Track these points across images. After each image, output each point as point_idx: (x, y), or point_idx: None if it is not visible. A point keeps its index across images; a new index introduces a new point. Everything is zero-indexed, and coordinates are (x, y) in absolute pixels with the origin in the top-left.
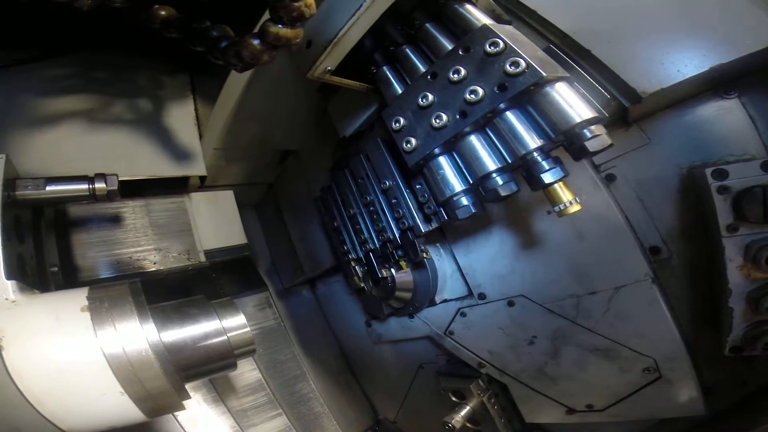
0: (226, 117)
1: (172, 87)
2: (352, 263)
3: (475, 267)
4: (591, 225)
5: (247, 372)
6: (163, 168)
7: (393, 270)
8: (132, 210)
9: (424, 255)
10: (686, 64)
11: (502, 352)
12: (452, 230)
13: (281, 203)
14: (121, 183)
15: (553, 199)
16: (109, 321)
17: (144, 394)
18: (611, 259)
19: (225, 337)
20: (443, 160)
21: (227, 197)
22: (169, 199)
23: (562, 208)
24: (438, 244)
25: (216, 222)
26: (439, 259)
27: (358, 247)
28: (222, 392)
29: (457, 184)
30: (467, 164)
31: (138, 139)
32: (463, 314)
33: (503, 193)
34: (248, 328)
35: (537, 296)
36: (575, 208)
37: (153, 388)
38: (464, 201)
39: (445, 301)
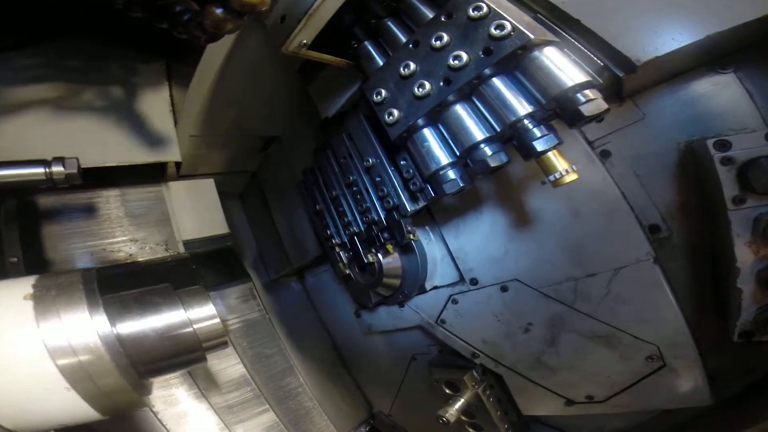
0: (201, 101)
1: (147, 74)
2: (337, 249)
3: (466, 250)
4: (587, 201)
5: (230, 367)
6: (136, 154)
7: (380, 255)
8: (106, 200)
9: (411, 237)
10: (681, 32)
11: (496, 341)
12: (441, 211)
13: (265, 192)
14: (93, 171)
15: (546, 168)
16: (53, 311)
17: (95, 391)
18: (610, 237)
19: (191, 329)
20: (428, 132)
21: (208, 186)
22: (146, 189)
23: (557, 176)
24: (427, 227)
25: (196, 211)
26: (428, 243)
27: (341, 231)
28: (205, 388)
29: (443, 157)
30: (453, 135)
31: (109, 126)
32: (455, 301)
33: (493, 164)
34: (218, 319)
35: (532, 280)
36: (571, 177)
37: (105, 385)
38: (451, 174)
39: (435, 287)
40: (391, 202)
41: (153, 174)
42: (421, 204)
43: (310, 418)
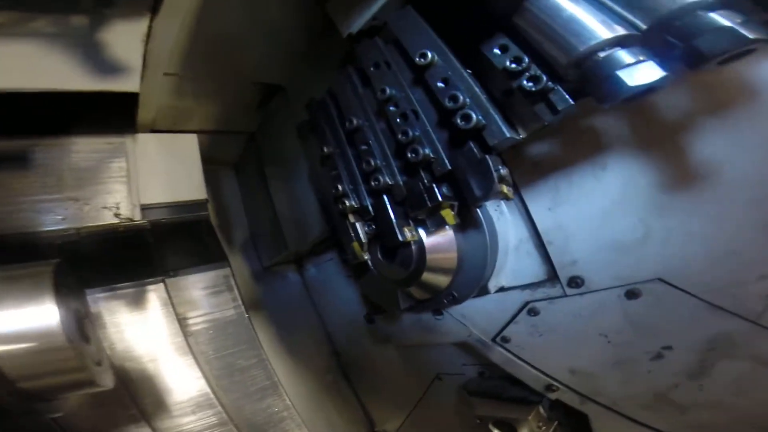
0: (181, 28)
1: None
2: (350, 217)
3: (569, 231)
4: None
5: (186, 382)
6: (73, 80)
7: (421, 230)
8: (44, 149)
9: (504, 190)
10: None
11: (595, 372)
12: (524, 165)
13: (264, 159)
14: (40, 116)
15: None
16: None
17: None
18: None
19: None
20: None
21: (187, 142)
22: (104, 139)
23: None
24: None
25: (168, 171)
26: (499, 217)
27: (361, 186)
28: (147, 409)
29: (602, 29)
30: None
31: (51, 52)
32: (534, 312)
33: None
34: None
35: (689, 281)
36: None
37: None
38: (625, 57)
39: (502, 289)
40: (472, 120)
41: (120, 126)
42: (535, 126)
43: None
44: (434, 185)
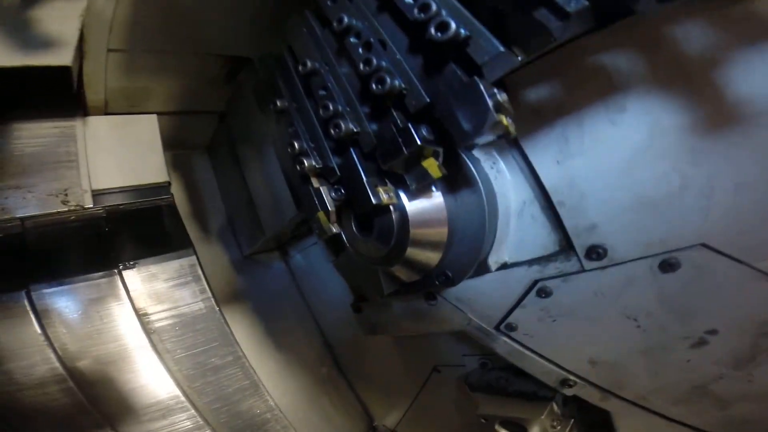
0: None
1: None
2: (313, 181)
3: (583, 187)
4: None
5: (153, 383)
6: None
7: (401, 192)
8: None
9: (504, 121)
10: None
11: (620, 362)
12: (521, 114)
13: (235, 139)
14: None
15: None
16: None
17: None
18: None
19: None
20: None
21: (145, 122)
22: (51, 123)
23: None
24: (492, 150)
25: (123, 153)
26: (496, 176)
27: (323, 141)
28: (112, 414)
29: None
30: None
31: None
32: (545, 292)
33: None
34: None
35: (740, 245)
36: None
37: None
38: None
39: (505, 266)
40: (450, 28)
41: (71, 111)
42: (537, 44)
43: None
44: (410, 125)
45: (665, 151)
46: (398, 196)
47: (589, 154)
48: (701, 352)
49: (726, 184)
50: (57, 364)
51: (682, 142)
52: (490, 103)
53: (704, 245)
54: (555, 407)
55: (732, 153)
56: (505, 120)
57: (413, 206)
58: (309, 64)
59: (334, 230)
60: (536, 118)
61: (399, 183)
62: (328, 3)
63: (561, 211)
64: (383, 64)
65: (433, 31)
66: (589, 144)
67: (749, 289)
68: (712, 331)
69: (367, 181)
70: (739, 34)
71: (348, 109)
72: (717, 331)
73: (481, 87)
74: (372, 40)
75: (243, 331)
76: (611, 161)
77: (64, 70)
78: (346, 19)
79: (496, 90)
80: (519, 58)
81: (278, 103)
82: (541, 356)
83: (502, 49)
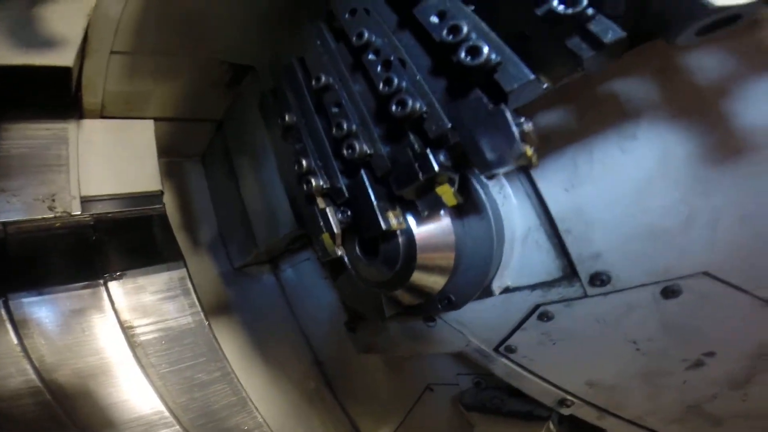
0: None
1: None
2: (319, 201)
3: (591, 216)
4: None
5: (136, 398)
6: None
7: (410, 216)
8: None
9: (529, 153)
10: None
11: (619, 384)
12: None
13: (232, 149)
14: None
15: None
16: None
17: None
18: None
19: None
20: None
21: (142, 128)
22: (43, 125)
23: None
24: (500, 176)
25: (116, 159)
26: (503, 202)
27: (332, 161)
28: (90, 428)
29: None
30: None
31: None
32: (546, 316)
33: None
34: None
35: (741, 275)
36: None
37: None
38: None
39: (507, 290)
40: (481, 54)
41: (63, 111)
42: (566, 72)
43: None
44: (428, 151)
45: (675, 181)
46: (406, 220)
47: (598, 182)
48: (698, 373)
49: (731, 216)
50: (33, 376)
51: (692, 171)
52: (516, 133)
53: (706, 273)
54: (551, 426)
55: (739, 184)
56: (529, 151)
57: (421, 231)
58: (323, 79)
59: (339, 253)
60: (546, 144)
61: (408, 206)
62: (346, 16)
63: (567, 239)
64: (404, 84)
65: (463, 55)
66: (598, 172)
67: (750, 315)
68: (710, 353)
69: (377, 206)
70: (751, 65)
71: (361, 127)
72: (714, 353)
73: (508, 116)
74: (392, 58)
75: (230, 345)
76: (621, 190)
77: (64, 71)
78: (366, 35)
79: (523, 119)
80: (545, 86)
81: (287, 118)
82: (539, 377)
83: (532, 77)
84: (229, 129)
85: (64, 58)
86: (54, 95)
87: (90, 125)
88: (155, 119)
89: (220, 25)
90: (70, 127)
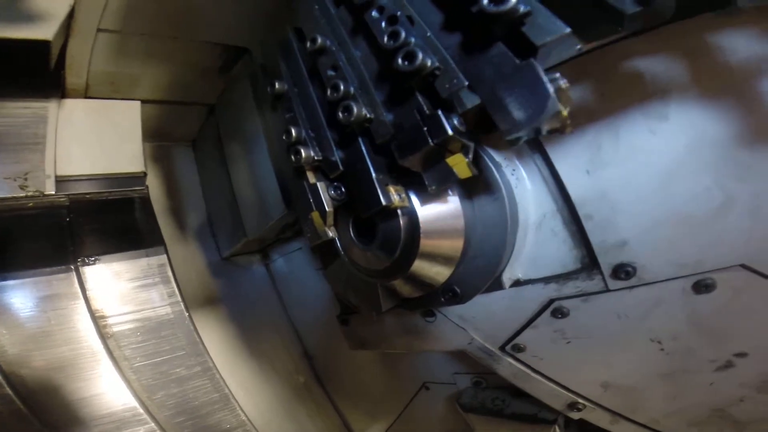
0: None
1: None
2: (310, 176)
3: (615, 201)
4: None
5: (106, 393)
6: None
7: (412, 193)
8: None
9: (565, 113)
10: None
11: (637, 385)
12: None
13: (223, 134)
14: None
15: None
16: None
17: None
18: None
19: None
20: None
21: (126, 109)
22: (22, 104)
23: None
24: (512, 156)
25: (98, 139)
26: (516, 185)
27: (326, 130)
28: (56, 424)
29: None
30: None
31: None
32: (561, 312)
33: None
34: None
35: None
36: None
37: None
38: None
39: (518, 282)
40: (508, 0)
41: (45, 90)
42: (604, 32)
43: None
44: (440, 112)
45: (708, 164)
46: (409, 200)
47: (624, 164)
48: (726, 375)
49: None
50: None
51: (728, 155)
52: (550, 88)
53: (744, 266)
54: (557, 430)
55: None
56: (564, 111)
57: (425, 212)
58: (319, 40)
59: (330, 234)
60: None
61: (410, 185)
62: None
63: (587, 225)
64: (411, 39)
65: (485, 2)
66: (624, 153)
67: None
68: (742, 354)
69: (376, 178)
70: None
71: (360, 90)
72: (746, 354)
73: (539, 70)
74: (397, 14)
75: (216, 338)
76: (648, 173)
77: (42, 44)
78: None
79: (558, 74)
80: (578, 47)
81: (276, 86)
82: (549, 379)
83: (567, 29)
84: (222, 114)
85: (42, 31)
86: (32, 72)
87: (72, 104)
88: (143, 101)
89: (214, 5)
90: (50, 107)
